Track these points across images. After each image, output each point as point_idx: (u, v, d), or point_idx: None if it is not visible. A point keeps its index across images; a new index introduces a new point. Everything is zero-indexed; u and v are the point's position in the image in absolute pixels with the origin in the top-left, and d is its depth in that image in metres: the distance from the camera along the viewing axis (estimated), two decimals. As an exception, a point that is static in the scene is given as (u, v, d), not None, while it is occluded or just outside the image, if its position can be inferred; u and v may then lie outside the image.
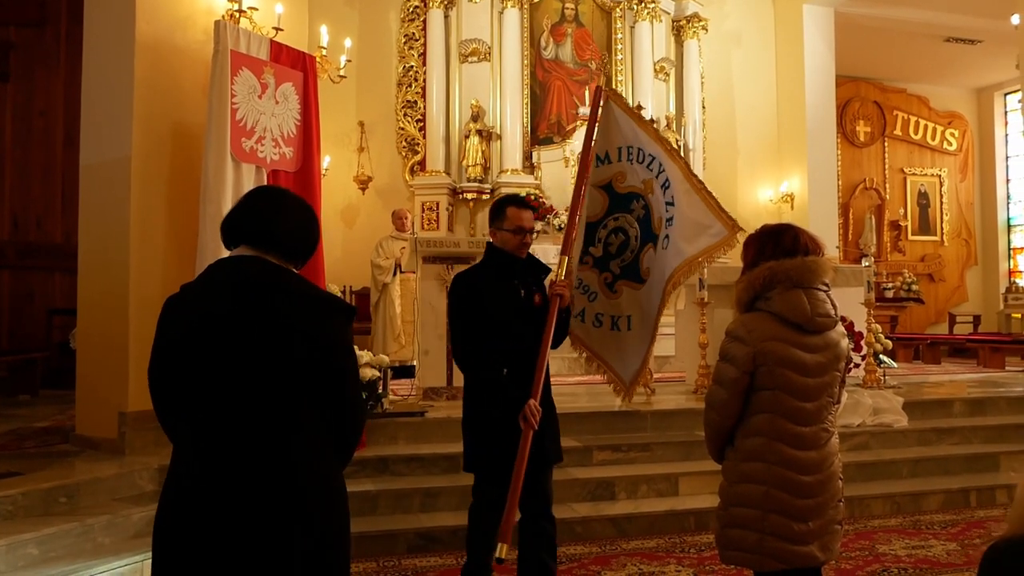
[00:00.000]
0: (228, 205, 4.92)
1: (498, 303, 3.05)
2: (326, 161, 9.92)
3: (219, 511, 1.81)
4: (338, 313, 1.98)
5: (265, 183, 5.15)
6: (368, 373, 4.70)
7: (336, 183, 10.38)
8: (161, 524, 1.88)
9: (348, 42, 7.55)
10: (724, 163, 12.34)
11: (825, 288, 2.53)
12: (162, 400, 1.98)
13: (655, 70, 11.29)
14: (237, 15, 5.39)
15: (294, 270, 2.02)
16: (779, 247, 2.52)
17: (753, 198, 12.59)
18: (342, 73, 7.31)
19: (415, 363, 6.40)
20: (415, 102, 10.92)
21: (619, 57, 11.30)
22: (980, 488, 5.14)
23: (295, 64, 5.54)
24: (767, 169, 12.59)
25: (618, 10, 11.32)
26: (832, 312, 2.51)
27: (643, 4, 11.15)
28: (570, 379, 8.05)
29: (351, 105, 10.68)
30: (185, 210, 5.10)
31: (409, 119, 10.91)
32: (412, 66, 10.93)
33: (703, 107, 11.96)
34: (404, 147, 10.93)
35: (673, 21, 11.70)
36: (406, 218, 8.39)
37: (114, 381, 4.79)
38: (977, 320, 14.11)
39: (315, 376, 1.89)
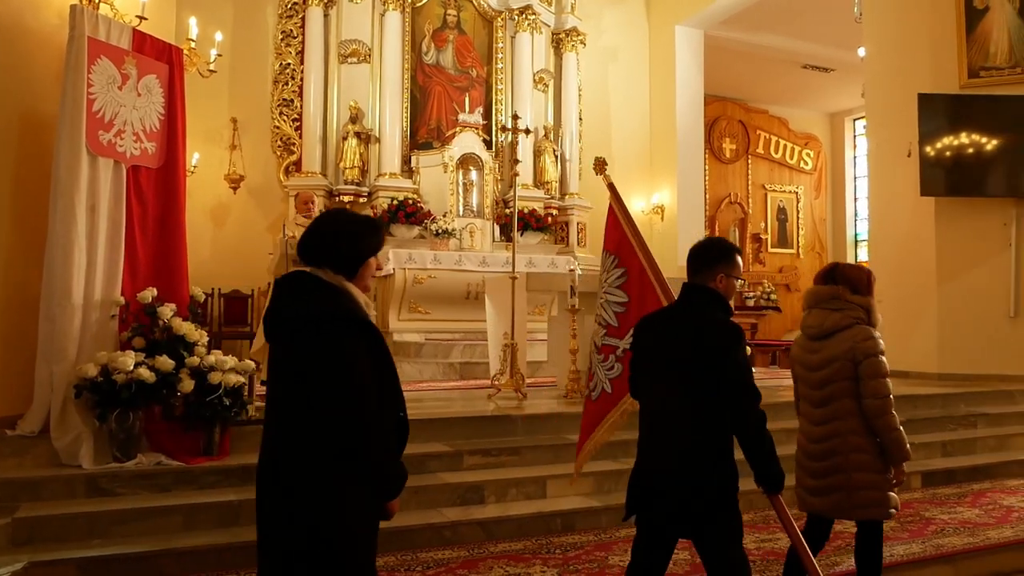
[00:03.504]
0: (82, 200, 4.66)
1: None
2: (194, 158, 9.54)
3: (260, 503, 2.24)
4: (332, 327, 2.12)
5: (124, 178, 4.91)
6: (232, 379, 4.55)
7: (206, 181, 9.99)
8: None
9: (219, 35, 7.31)
10: (599, 174, 12.68)
11: (830, 308, 3.36)
12: None
13: (534, 81, 11.49)
14: (96, 0, 5.12)
15: (344, 280, 2.23)
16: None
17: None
18: (212, 67, 7.08)
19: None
20: (292, 101, 10.66)
21: (500, 66, 11.43)
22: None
23: (160, 56, 5.31)
24: (640, 181, 13.05)
25: (499, 20, 11.45)
26: (821, 324, 3.35)
27: (524, 15, 11.33)
28: (445, 384, 8.07)
29: (223, 101, 10.32)
30: (34, 204, 4.79)
31: (285, 118, 10.65)
32: (289, 64, 10.68)
33: (580, 119, 12.26)
34: (279, 146, 10.65)
35: (553, 34, 11.95)
36: (313, 202, 7.63)
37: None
38: (828, 329, 15.10)
39: (315, 387, 2.10)
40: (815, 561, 2.99)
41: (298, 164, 10.46)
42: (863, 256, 16.13)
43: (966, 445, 6.51)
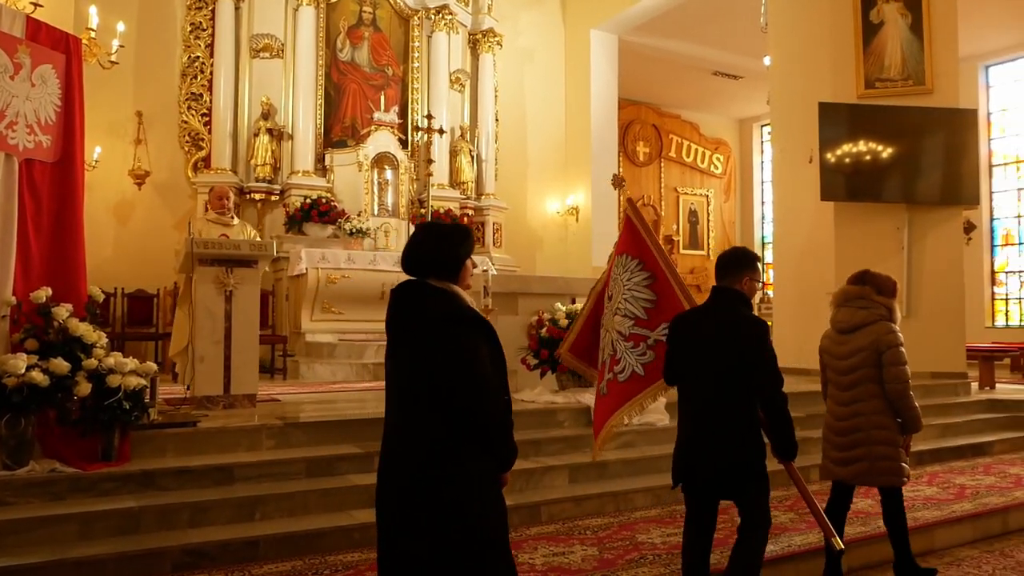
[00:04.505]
0: (-30, 195, 4.42)
1: None
2: (96, 152, 9.18)
3: (383, 486, 2.46)
4: (458, 327, 2.38)
5: (16, 172, 4.68)
6: (132, 381, 4.39)
7: (108, 176, 9.63)
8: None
9: (121, 26, 7.05)
10: (515, 174, 12.79)
11: (857, 306, 3.93)
12: None
13: (451, 80, 11.50)
14: (-14, -14, 4.87)
15: (452, 285, 2.49)
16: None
17: (541, 209, 13.15)
18: (114, 58, 6.83)
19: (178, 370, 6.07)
20: (201, 95, 10.38)
21: (416, 65, 11.39)
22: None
23: (56, 45, 5.08)
24: (555, 182, 13.21)
25: (416, 18, 11.41)
26: (850, 320, 3.92)
27: (440, 15, 11.33)
28: (358, 385, 7.99)
29: (128, 93, 9.96)
30: (-85, 199, 4.51)
31: (194, 112, 10.35)
32: (198, 57, 10.39)
33: (496, 119, 12.33)
34: (187, 142, 10.35)
35: (469, 34, 11.99)
36: (228, 197, 6.99)
37: None
38: (736, 328, 15.61)
39: (440, 378, 2.34)
40: (828, 521, 3.62)
41: (207, 160, 10.19)
42: (768, 259, 16.72)
43: (860, 438, 6.83)
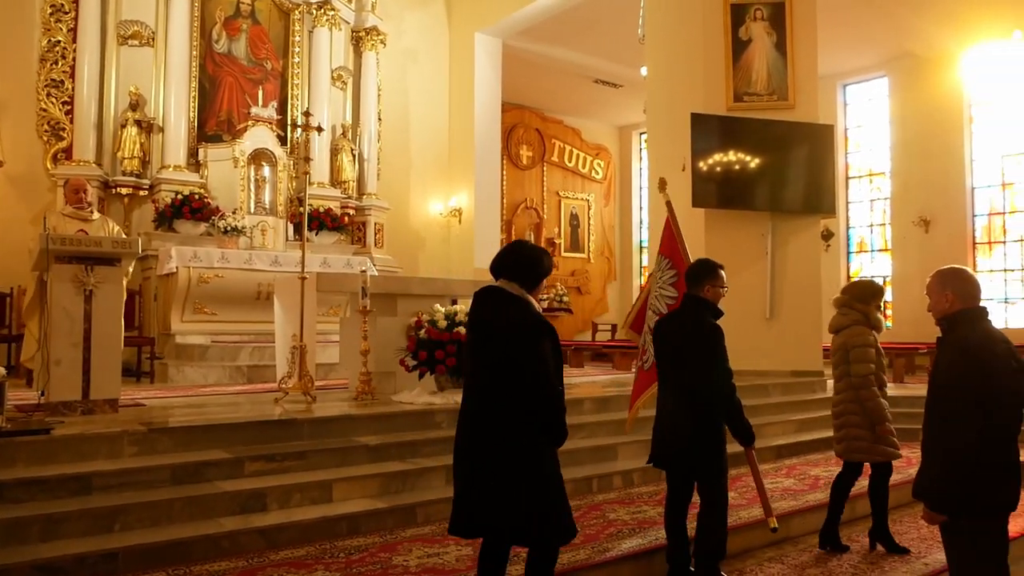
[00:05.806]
0: None
1: None
2: (-60, 139, 8.50)
3: (461, 444, 3.15)
4: (528, 330, 3.01)
5: None
6: (-23, 387, 4.10)
7: (-46, 166, 8.92)
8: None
9: (-31, 5, 6.55)
10: (398, 175, 12.71)
11: (841, 313, 4.77)
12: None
13: (333, 77, 11.31)
14: None
15: (526, 293, 3.12)
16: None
17: (424, 210, 13.12)
18: (-40, 39, 6.34)
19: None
20: (62, 82, 9.78)
21: (296, 60, 11.14)
22: (601, 475, 5.84)
23: None
24: (438, 184, 13.20)
25: (297, 12, 11.15)
26: (833, 325, 4.76)
27: (322, 10, 11.11)
28: (231, 388, 7.74)
29: (-22, 77, 9.27)
30: None
31: (54, 100, 9.74)
32: (60, 41, 9.79)
33: (380, 119, 12.21)
34: (46, 131, 9.74)
35: (353, 31, 11.82)
36: (85, 191, 6.71)
37: None
38: (614, 328, 16.06)
39: (513, 372, 2.99)
40: (769, 501, 4.51)
41: (68, 151, 9.63)
42: (647, 261, 17.29)
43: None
